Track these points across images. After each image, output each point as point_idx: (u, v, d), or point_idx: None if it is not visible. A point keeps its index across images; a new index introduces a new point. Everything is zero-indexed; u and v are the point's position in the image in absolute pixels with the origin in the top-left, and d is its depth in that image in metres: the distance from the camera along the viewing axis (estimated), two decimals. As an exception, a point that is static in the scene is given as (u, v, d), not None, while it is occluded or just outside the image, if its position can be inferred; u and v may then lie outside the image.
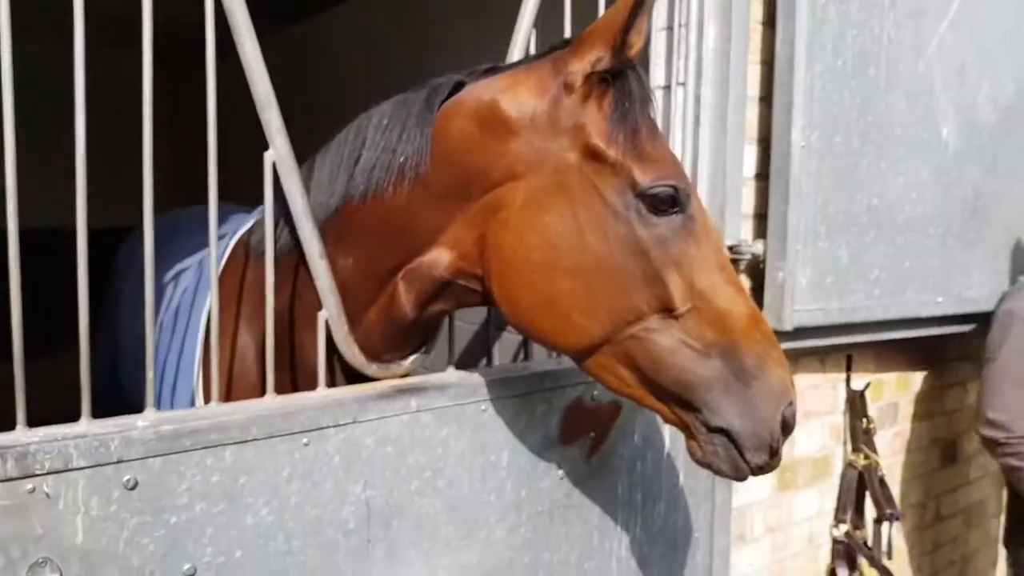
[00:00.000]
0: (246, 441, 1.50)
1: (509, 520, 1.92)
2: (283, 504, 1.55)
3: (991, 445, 2.73)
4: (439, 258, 1.58)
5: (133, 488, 1.39)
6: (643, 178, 1.43)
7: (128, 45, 2.40)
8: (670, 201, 1.44)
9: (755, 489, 2.61)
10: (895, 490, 3.17)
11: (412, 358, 1.80)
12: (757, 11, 2.42)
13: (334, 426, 1.61)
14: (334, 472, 1.62)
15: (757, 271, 2.44)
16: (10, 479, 1.28)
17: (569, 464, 2.02)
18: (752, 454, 1.48)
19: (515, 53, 1.93)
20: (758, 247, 2.39)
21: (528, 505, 1.95)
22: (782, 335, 2.41)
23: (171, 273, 2.43)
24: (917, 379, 3.21)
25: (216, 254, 1.57)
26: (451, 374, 1.85)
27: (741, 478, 1.54)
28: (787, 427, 1.50)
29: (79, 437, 1.35)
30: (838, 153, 2.45)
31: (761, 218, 2.44)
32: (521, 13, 1.94)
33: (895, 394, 3.14)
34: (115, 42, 3.97)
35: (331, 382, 1.75)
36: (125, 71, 2.31)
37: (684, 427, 1.54)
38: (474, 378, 1.86)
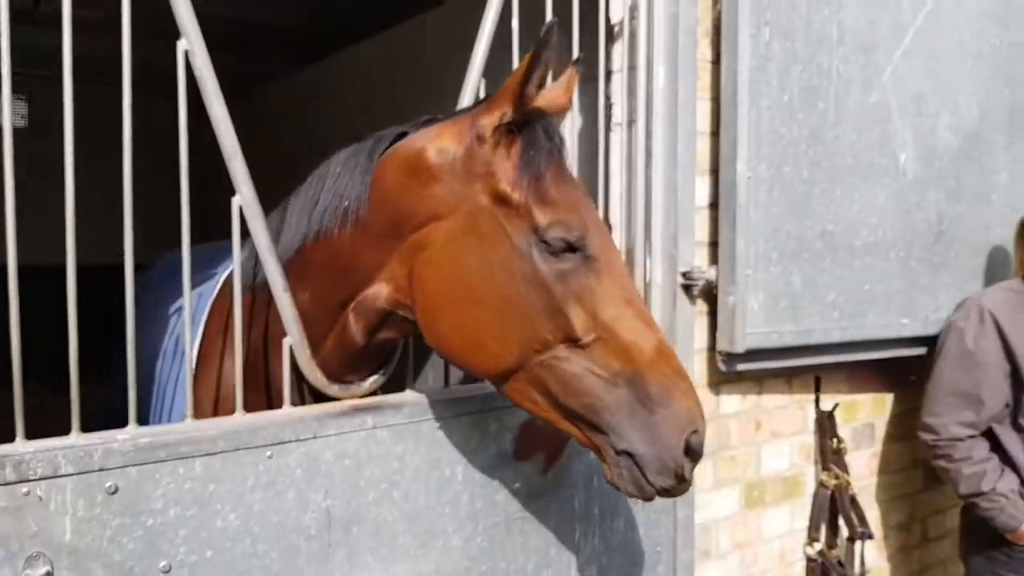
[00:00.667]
0: (214, 453, 1.78)
1: (466, 530, 2.17)
2: (248, 510, 1.83)
3: (925, 448, 2.98)
4: (380, 291, 1.86)
5: (114, 493, 1.67)
6: (542, 221, 1.65)
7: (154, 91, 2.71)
8: (564, 245, 1.65)
9: (719, 506, 2.83)
10: (875, 511, 3.36)
11: (371, 380, 2.07)
12: (706, 51, 2.69)
13: (295, 440, 1.88)
14: (296, 483, 1.89)
15: (711, 296, 2.69)
16: (8, 483, 1.57)
17: (524, 478, 2.27)
18: (655, 477, 1.63)
19: (465, 102, 2.22)
20: (711, 273, 2.64)
21: (484, 516, 2.20)
22: (736, 357, 2.66)
23: (174, 306, 2.74)
24: (893, 400, 3.41)
25: (189, 296, 1.87)
26: (408, 394, 2.13)
27: (647, 498, 1.69)
28: (692, 453, 1.63)
29: (67, 448, 1.64)
30: (788, 182, 2.70)
31: (715, 245, 2.70)
32: (471, 64, 2.23)
33: (871, 415, 3.35)
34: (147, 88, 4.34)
35: (300, 402, 2.03)
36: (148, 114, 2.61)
37: (595, 449, 1.73)
38: (428, 398, 2.13)
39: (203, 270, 2.74)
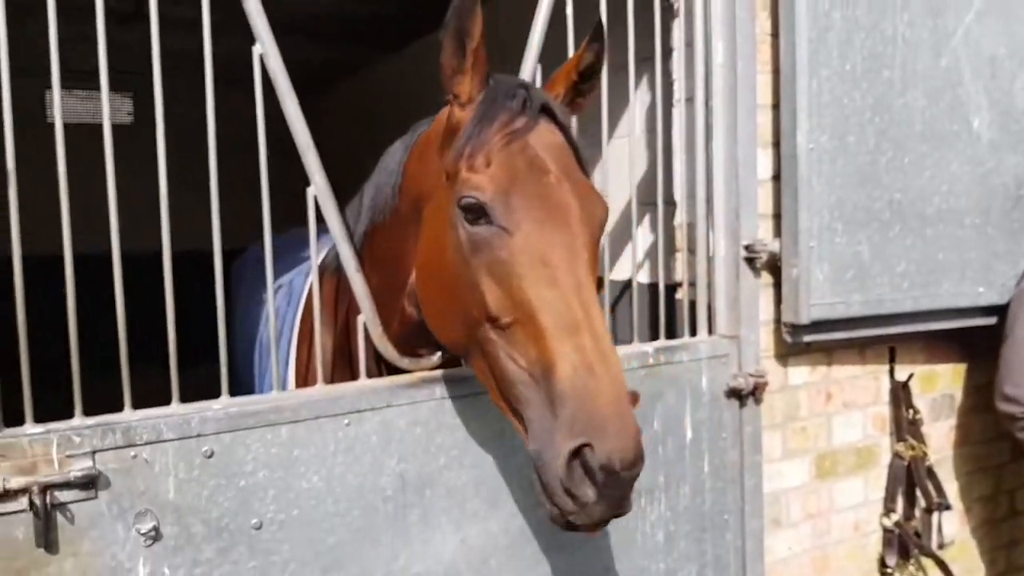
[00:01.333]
0: (298, 421, 1.95)
1: (531, 496, 2.26)
2: (330, 473, 1.99)
3: (1009, 420, 2.88)
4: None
5: (210, 456, 1.86)
6: (460, 190, 1.61)
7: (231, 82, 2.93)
8: (476, 211, 1.57)
9: (790, 476, 2.85)
10: (956, 484, 3.30)
11: (439, 353, 2.20)
12: (764, 24, 2.69)
13: (371, 409, 2.03)
14: (372, 448, 2.04)
15: (775, 268, 2.70)
16: (118, 447, 1.77)
17: (589, 447, 2.36)
18: (548, 494, 1.45)
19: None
20: (775, 245, 2.65)
21: (551, 482, 2.30)
22: (801, 328, 2.67)
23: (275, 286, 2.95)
24: (974, 371, 3.33)
25: (271, 279, 2.04)
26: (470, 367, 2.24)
27: (554, 522, 1.50)
28: (590, 472, 1.39)
29: (168, 416, 1.83)
30: (852, 152, 2.68)
31: (778, 218, 2.71)
32: (527, 49, 2.32)
33: (950, 386, 3.28)
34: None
35: (378, 375, 2.17)
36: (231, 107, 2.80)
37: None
38: (493, 370, 2.24)
39: (298, 252, 2.94)
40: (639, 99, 2.57)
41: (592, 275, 1.63)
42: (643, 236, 2.57)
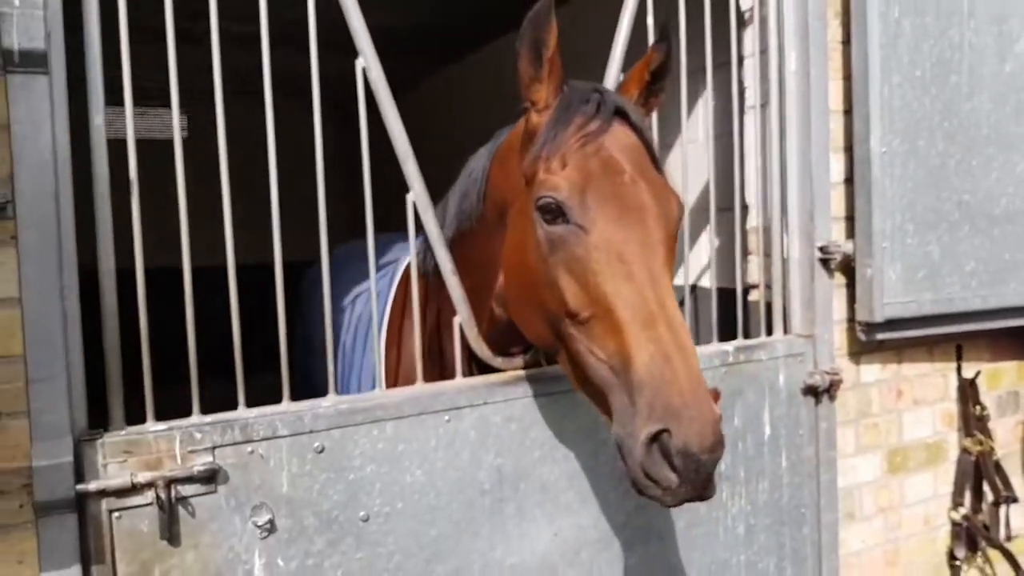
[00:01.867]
0: (402, 417, 1.86)
1: (620, 490, 2.15)
2: (432, 467, 1.89)
3: None
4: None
5: (321, 452, 1.77)
6: (538, 191, 1.55)
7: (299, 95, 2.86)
8: (554, 211, 1.52)
9: (863, 470, 2.67)
10: (1021, 478, 3.08)
11: (531, 353, 2.08)
12: (836, 32, 2.54)
13: (469, 406, 1.93)
14: (470, 443, 1.94)
15: (849, 268, 2.54)
16: (236, 443, 1.69)
17: (673, 442, 2.22)
18: (633, 477, 1.39)
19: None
20: (848, 246, 2.49)
21: (637, 477, 2.17)
22: (875, 326, 2.50)
23: (351, 295, 2.87)
24: (1039, 368, 3.11)
25: (375, 280, 1.95)
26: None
27: (638, 492, 1.41)
28: (668, 456, 1.33)
29: (283, 413, 1.75)
30: (922, 156, 2.51)
31: (851, 220, 2.54)
32: (610, 60, 2.20)
33: (1015, 383, 3.06)
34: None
35: (469, 374, 2.07)
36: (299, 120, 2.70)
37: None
38: (583, 368, 2.12)
39: (380, 257, 2.87)
40: (705, 105, 2.43)
41: (668, 269, 1.54)
42: (713, 240, 2.43)
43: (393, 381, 2.32)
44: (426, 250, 2.08)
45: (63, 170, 1.55)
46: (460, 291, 1.99)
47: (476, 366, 2.10)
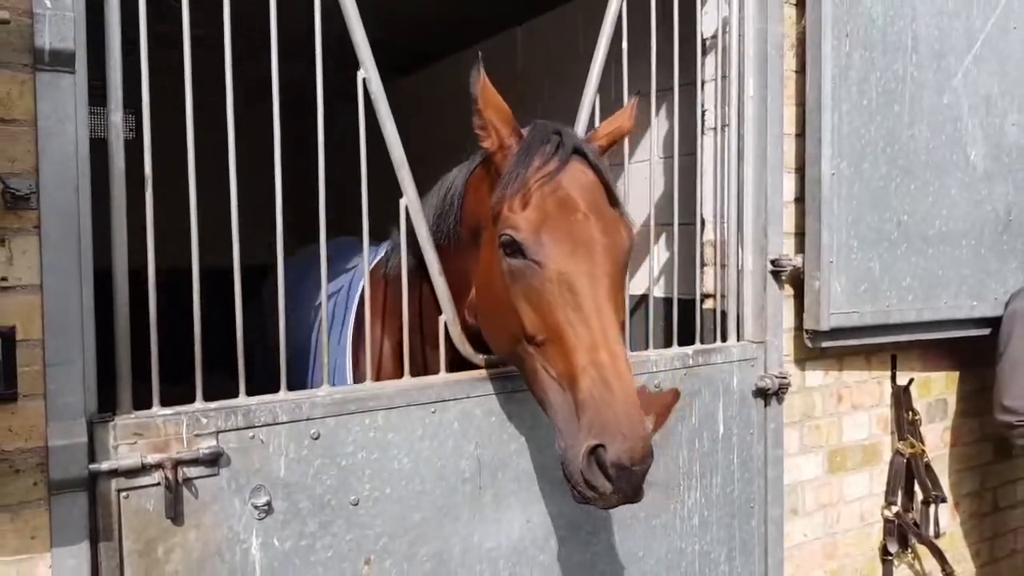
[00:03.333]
0: (392, 408, 2.05)
1: (588, 481, 2.39)
2: (418, 456, 2.09)
3: (1007, 428, 3.04)
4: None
5: (316, 439, 1.95)
6: (500, 228, 1.80)
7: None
8: (513, 246, 1.76)
9: (806, 469, 2.98)
10: (948, 480, 3.45)
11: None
12: (791, 62, 2.85)
13: (453, 400, 2.14)
14: (454, 434, 2.14)
15: (798, 280, 2.85)
16: (239, 428, 1.86)
17: (637, 438, 2.48)
18: (574, 483, 1.62)
19: (582, 116, 2.43)
20: (798, 260, 2.80)
21: (604, 470, 2.41)
22: (821, 335, 2.82)
23: (318, 297, 3.03)
24: (965, 378, 3.50)
25: (360, 280, 2.15)
26: (540, 363, 2.35)
27: (577, 497, 1.64)
28: (603, 468, 1.55)
29: (283, 401, 1.93)
30: (867, 178, 2.84)
31: (801, 235, 2.85)
32: (588, 78, 2.45)
33: (943, 391, 3.44)
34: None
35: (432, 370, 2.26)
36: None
37: None
38: (558, 366, 2.36)
39: (345, 259, 3.04)
40: (675, 125, 2.70)
41: (615, 298, 1.77)
42: (675, 252, 2.71)
43: (360, 378, 2.52)
44: (407, 253, 2.28)
45: (83, 165, 1.69)
46: (446, 291, 2.19)
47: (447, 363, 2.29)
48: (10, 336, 1.62)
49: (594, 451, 1.58)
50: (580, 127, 2.40)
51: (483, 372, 2.23)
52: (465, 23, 4.80)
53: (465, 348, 2.22)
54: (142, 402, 1.82)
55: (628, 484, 1.57)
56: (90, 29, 1.68)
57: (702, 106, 2.87)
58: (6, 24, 1.54)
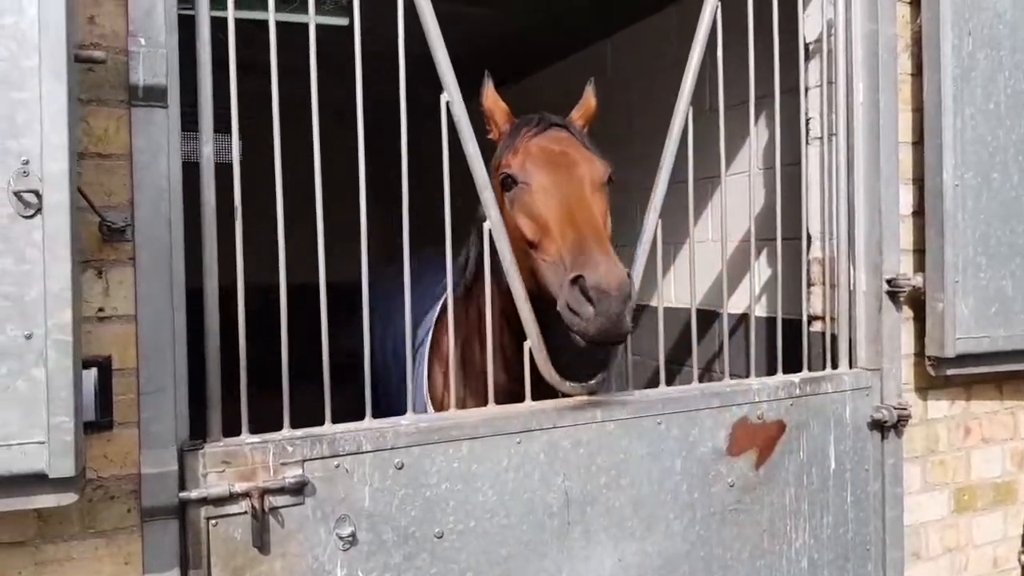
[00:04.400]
0: (476, 437, 2.07)
1: (685, 518, 2.34)
2: (503, 488, 2.09)
3: None
4: None
5: (401, 468, 1.99)
6: (498, 175, 2.27)
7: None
8: (508, 181, 2.23)
9: (929, 509, 2.82)
10: (1099, 523, 3.19)
11: (597, 378, 2.29)
12: (905, 64, 2.73)
13: (539, 429, 2.14)
14: (540, 466, 2.14)
15: (918, 302, 2.70)
16: (324, 457, 1.91)
17: (737, 473, 2.41)
18: (563, 312, 1.96)
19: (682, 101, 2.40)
20: (917, 280, 2.66)
21: (701, 506, 2.36)
22: (945, 362, 2.66)
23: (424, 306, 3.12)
24: (1117, 408, 3.23)
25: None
26: (631, 393, 2.33)
27: (568, 329, 1.97)
28: (586, 293, 1.89)
29: (367, 430, 1.98)
30: (996, 188, 2.67)
31: (920, 252, 2.71)
32: (684, 76, 2.42)
33: (1092, 424, 3.19)
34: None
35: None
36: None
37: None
38: (651, 396, 2.32)
39: (426, 283, 3.11)
40: (758, 136, 2.62)
41: (592, 200, 2.16)
42: (778, 270, 2.62)
43: (440, 404, 2.57)
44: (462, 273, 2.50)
45: (176, 197, 1.79)
46: (531, 315, 2.20)
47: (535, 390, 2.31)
48: (107, 365, 1.73)
49: (576, 281, 1.91)
50: (673, 136, 2.38)
51: (569, 401, 2.22)
52: (552, 39, 4.84)
53: (551, 374, 2.22)
54: (232, 427, 1.91)
55: (608, 308, 1.87)
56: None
57: (806, 114, 2.79)
58: (103, 64, 1.65)
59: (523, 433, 2.12)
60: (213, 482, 1.81)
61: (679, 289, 4.08)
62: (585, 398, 2.24)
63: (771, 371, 2.59)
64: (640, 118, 4.35)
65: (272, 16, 1.93)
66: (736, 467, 2.41)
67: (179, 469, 1.78)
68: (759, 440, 2.45)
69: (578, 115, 2.55)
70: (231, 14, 1.87)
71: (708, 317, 3.74)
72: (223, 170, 1.80)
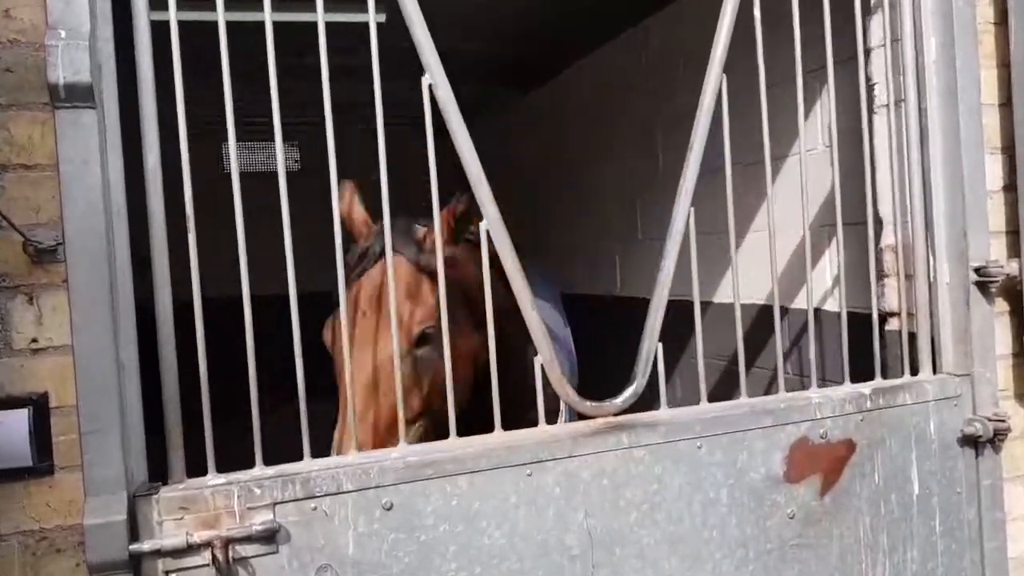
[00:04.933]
0: (477, 471, 1.82)
1: (736, 557, 2.03)
2: (513, 528, 1.84)
3: None
4: None
5: (390, 509, 1.76)
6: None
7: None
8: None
9: (1039, 538, 2.42)
10: None
11: (624, 396, 2.00)
12: (986, 11, 2.34)
13: (552, 459, 1.87)
14: (555, 501, 1.87)
15: (1014, 293, 2.31)
16: (298, 499, 1.70)
17: (798, 503, 2.09)
18: None
19: (706, 99, 2.10)
20: (1012, 267, 2.27)
21: (755, 543, 2.05)
22: (1051, 362, 2.27)
23: None
24: None
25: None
26: (662, 412, 2.04)
27: None
28: None
29: (348, 466, 1.75)
30: (1106, 154, 2.26)
31: (1015, 234, 2.32)
32: (711, 59, 2.12)
33: None
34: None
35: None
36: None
37: None
38: (686, 415, 2.03)
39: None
40: (824, 109, 2.29)
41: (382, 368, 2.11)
42: (835, 260, 2.28)
43: None
44: None
45: (118, 210, 1.62)
46: (541, 327, 1.94)
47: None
48: (43, 403, 1.57)
49: None
50: (704, 111, 2.08)
51: (589, 425, 1.95)
52: (584, 28, 4.56)
53: (568, 393, 1.96)
54: (201, 466, 1.72)
55: None
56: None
57: (869, 79, 2.43)
58: (22, 63, 1.49)
59: (533, 464, 1.86)
60: (170, 531, 1.62)
61: (746, 283, 3.71)
62: (608, 420, 1.97)
63: (837, 378, 2.25)
64: (686, 92, 4.03)
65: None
66: (796, 495, 2.09)
67: (131, 517, 1.60)
68: (823, 463, 2.11)
69: (445, 225, 2.18)
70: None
71: (770, 316, 3.36)
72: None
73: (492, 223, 1.91)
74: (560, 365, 1.98)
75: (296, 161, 7.68)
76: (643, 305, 2.07)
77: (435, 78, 1.86)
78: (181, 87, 1.67)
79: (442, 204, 2.01)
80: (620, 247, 4.80)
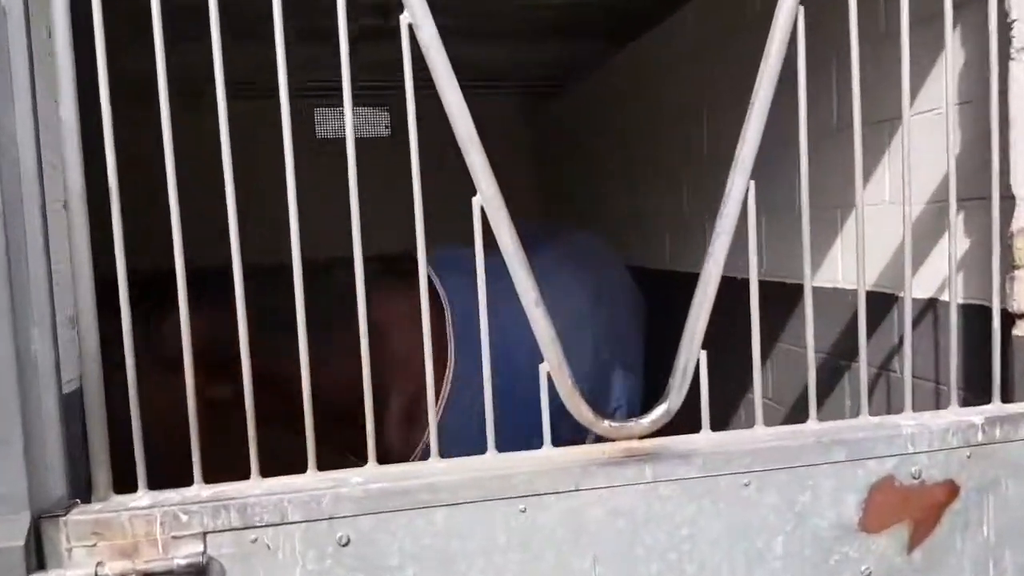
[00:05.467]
0: (458, 503, 1.51)
1: (791, 616, 1.64)
2: (500, 574, 1.52)
3: None
4: None
5: (346, 545, 1.48)
6: None
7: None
8: None
9: None
10: None
11: (654, 415, 1.63)
12: None
13: (553, 493, 1.54)
14: (556, 544, 1.54)
15: None
16: (234, 529, 1.44)
17: (877, 557, 1.67)
18: None
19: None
20: None
21: (818, 605, 1.65)
22: None
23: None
24: None
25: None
26: (702, 436, 1.65)
27: None
28: None
29: (295, 492, 1.48)
30: None
31: None
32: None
33: None
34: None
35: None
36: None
37: None
38: (731, 443, 1.64)
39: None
40: (940, 63, 1.81)
41: None
42: (955, 247, 1.82)
43: None
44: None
45: (28, 184, 1.38)
46: (548, 329, 1.59)
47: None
48: (-67, 408, 1.35)
49: None
50: (776, 45, 1.66)
51: (604, 450, 1.60)
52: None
53: (580, 409, 1.61)
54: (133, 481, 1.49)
55: None
56: None
57: (1004, 16, 1.91)
58: None
59: (529, 498, 1.53)
60: (79, 560, 1.40)
61: (846, 266, 3.19)
62: (629, 445, 1.61)
63: (938, 402, 1.80)
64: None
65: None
66: (875, 548, 1.67)
67: (36, 542, 1.38)
68: (914, 509, 1.68)
69: None
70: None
71: (879, 303, 2.84)
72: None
73: (487, 200, 1.56)
74: (577, 375, 1.63)
75: (387, 127, 7.50)
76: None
77: (415, 16, 1.52)
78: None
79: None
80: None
